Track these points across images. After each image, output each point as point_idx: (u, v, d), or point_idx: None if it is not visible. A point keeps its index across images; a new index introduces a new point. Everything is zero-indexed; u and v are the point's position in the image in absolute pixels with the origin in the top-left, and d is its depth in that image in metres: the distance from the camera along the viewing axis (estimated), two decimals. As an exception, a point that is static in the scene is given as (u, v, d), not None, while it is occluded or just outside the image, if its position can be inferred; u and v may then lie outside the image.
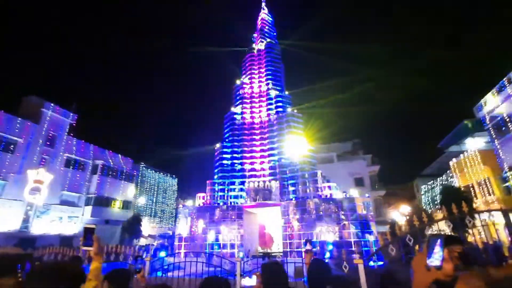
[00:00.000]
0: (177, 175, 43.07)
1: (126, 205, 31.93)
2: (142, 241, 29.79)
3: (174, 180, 42.04)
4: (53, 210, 24.82)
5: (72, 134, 27.90)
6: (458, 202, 13.41)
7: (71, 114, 27.76)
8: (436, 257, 1.33)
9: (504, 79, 18.14)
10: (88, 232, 1.90)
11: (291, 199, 23.96)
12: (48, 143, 25.29)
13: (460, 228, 13.92)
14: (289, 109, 28.84)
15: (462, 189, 19.03)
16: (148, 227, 33.72)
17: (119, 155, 33.13)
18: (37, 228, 23.25)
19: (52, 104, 25.99)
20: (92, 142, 30.05)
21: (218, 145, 28.74)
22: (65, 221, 25.52)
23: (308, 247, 3.42)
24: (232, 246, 22.79)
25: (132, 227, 26.78)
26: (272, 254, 21.81)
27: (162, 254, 19.48)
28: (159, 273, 9.40)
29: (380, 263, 16.09)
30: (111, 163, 30.89)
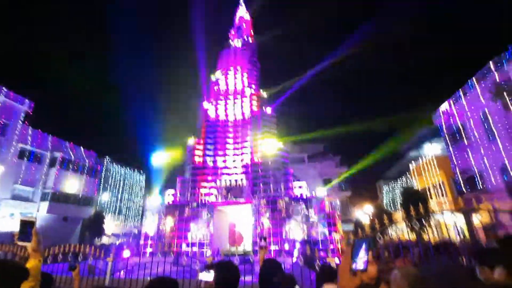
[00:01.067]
0: (145, 171, 41.39)
1: (87, 201, 29.97)
2: (105, 240, 28.19)
3: (141, 176, 40.31)
4: (4, 205, 22.57)
5: (27, 123, 25.51)
6: (416, 203, 14.38)
7: (27, 101, 25.37)
8: (362, 260, 1.38)
9: (459, 90, 19.86)
10: (25, 226, 1.71)
11: (263, 197, 24.18)
12: (-2, 131, 22.90)
13: (420, 228, 15.08)
14: (263, 108, 29.03)
15: (420, 191, 20.47)
16: (111, 225, 31.98)
17: (81, 148, 30.97)
18: (-17, 225, 21.01)
19: (4, 89, 23.54)
20: (52, 133, 27.77)
21: (190, 141, 28.07)
22: (17, 218, 23.27)
23: (263, 243, 3.51)
24: (201, 244, 22.42)
25: (94, 225, 25.19)
26: (245, 253, 21.79)
27: (126, 253, 18.58)
28: (122, 274, 8.91)
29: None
30: (72, 156, 28.76)
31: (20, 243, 1.70)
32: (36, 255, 1.65)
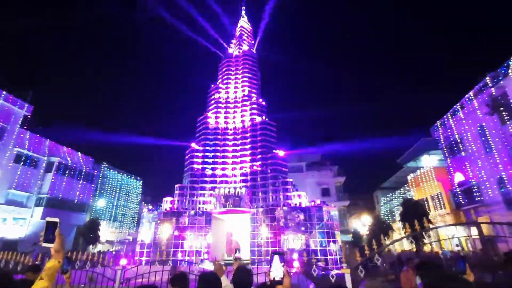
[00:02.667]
0: (142, 177, 40.97)
1: (82, 207, 29.53)
2: (99, 247, 27.65)
3: (138, 182, 39.87)
4: (-4, 210, 22.12)
5: (26, 127, 25.27)
6: (416, 215, 14.45)
7: (26, 104, 25.20)
8: (279, 271, 1.59)
9: (457, 104, 20.24)
10: (50, 227, 1.73)
11: (261, 206, 24.03)
12: (-5, 135, 22.64)
13: (419, 240, 15.14)
14: (263, 117, 29.14)
15: (419, 202, 20.53)
16: (106, 232, 31.41)
17: (79, 153, 30.70)
18: (-26, 230, 20.52)
19: (4, 92, 23.40)
20: (50, 138, 27.51)
21: (189, 149, 27.99)
22: (9, 223, 22.79)
23: (238, 255, 3.75)
24: (199, 253, 22.11)
25: (89, 232, 24.72)
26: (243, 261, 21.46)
27: (123, 262, 18.24)
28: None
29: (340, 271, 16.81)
30: (69, 161, 28.45)
31: (44, 244, 1.69)
32: (57, 256, 1.61)
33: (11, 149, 23.71)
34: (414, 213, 15.40)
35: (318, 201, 23.94)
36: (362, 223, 32.22)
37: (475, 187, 18.69)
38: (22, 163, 24.60)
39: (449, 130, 21.34)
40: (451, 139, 21.04)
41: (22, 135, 24.77)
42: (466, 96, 19.22)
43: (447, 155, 21.72)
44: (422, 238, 14.82)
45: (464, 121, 19.63)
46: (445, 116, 21.79)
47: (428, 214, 16.06)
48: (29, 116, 25.42)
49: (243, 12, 39.03)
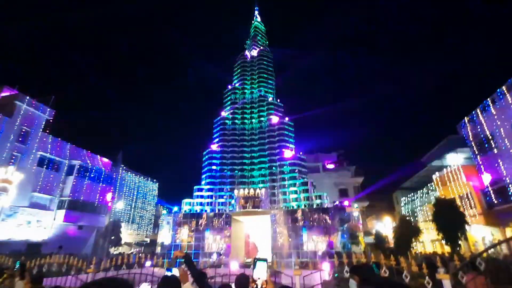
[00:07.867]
0: (159, 179, 41.23)
1: (103, 210, 29.82)
2: (120, 249, 27.82)
3: (155, 185, 40.13)
4: (21, 213, 22.49)
5: (48, 131, 25.75)
6: (451, 215, 13.65)
7: (48, 109, 25.69)
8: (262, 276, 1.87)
9: (488, 99, 19.31)
10: None
11: (281, 207, 23.64)
12: (20, 139, 23.08)
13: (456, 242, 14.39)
14: (280, 117, 28.79)
15: (454, 201, 19.63)
16: (124, 234, 31.66)
17: (98, 156, 31.10)
18: (2, 232, 20.90)
19: (27, 97, 23.91)
20: (70, 141, 27.97)
21: (207, 150, 27.92)
22: (33, 226, 23.17)
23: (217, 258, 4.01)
24: (218, 255, 21.88)
25: (111, 234, 24.90)
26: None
27: (148, 263, 18.18)
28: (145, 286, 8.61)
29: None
30: (89, 164, 28.83)
31: None
32: None
33: (34, 153, 24.17)
34: (448, 214, 14.67)
35: (346, 203, 23.27)
36: (383, 224, 31.35)
37: (510, 185, 17.74)
38: (45, 166, 25.05)
39: (478, 127, 20.38)
40: (481, 136, 20.08)
41: (44, 139, 25.25)
42: (498, 90, 18.31)
43: (476, 152, 20.74)
44: (459, 240, 14.08)
45: (496, 117, 18.69)
46: (473, 112, 20.85)
47: (464, 215, 15.26)
48: (51, 121, 25.91)
49: (257, 13, 38.93)
